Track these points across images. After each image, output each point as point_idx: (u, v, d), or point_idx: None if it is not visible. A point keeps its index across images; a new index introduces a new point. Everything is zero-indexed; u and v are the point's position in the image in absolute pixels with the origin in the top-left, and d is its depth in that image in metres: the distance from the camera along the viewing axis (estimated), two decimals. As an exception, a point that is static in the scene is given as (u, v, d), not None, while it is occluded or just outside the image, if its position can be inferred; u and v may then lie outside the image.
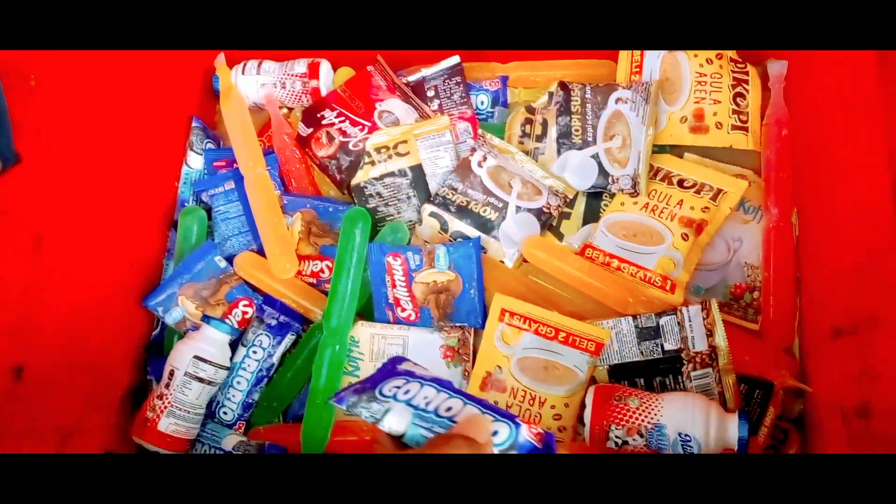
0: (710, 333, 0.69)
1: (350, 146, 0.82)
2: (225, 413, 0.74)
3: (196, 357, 0.70)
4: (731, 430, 0.63)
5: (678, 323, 0.70)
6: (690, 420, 0.63)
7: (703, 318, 0.69)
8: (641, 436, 0.64)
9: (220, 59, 0.88)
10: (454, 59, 0.85)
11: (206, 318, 0.74)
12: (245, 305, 0.77)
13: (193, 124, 0.87)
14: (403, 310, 0.75)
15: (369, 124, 0.83)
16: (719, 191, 0.77)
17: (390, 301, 0.75)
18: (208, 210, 0.83)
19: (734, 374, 0.68)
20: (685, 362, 0.69)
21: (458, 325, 0.74)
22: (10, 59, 0.58)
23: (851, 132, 0.66)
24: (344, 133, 0.82)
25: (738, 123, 0.79)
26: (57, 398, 0.64)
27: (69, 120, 0.66)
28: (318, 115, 0.84)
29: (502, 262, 0.77)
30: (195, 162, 0.86)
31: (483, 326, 0.73)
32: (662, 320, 0.70)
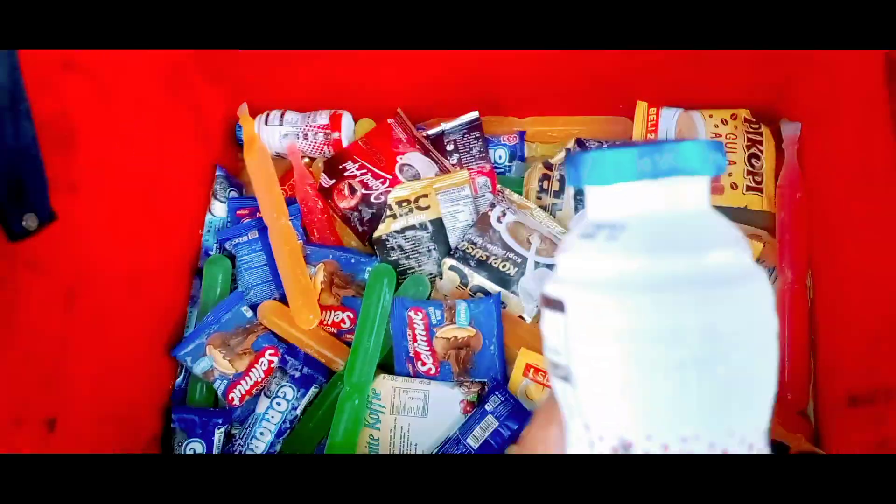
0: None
1: (372, 199, 0.84)
2: (247, 463, 0.75)
3: None
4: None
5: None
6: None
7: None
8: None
9: (243, 108, 0.90)
10: (473, 114, 0.88)
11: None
12: (271, 354, 0.78)
13: (217, 172, 0.88)
14: (424, 363, 0.76)
15: (390, 177, 0.84)
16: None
17: (411, 354, 0.76)
18: (231, 258, 0.84)
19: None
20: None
21: (478, 380, 0.75)
22: (47, 113, 0.59)
23: (867, 194, 0.67)
24: (366, 185, 0.84)
25: (753, 184, 0.81)
26: (87, 449, 0.65)
27: (101, 174, 0.68)
28: (340, 167, 0.86)
29: (521, 317, 0.78)
30: (219, 210, 0.88)
31: (503, 381, 0.74)
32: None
